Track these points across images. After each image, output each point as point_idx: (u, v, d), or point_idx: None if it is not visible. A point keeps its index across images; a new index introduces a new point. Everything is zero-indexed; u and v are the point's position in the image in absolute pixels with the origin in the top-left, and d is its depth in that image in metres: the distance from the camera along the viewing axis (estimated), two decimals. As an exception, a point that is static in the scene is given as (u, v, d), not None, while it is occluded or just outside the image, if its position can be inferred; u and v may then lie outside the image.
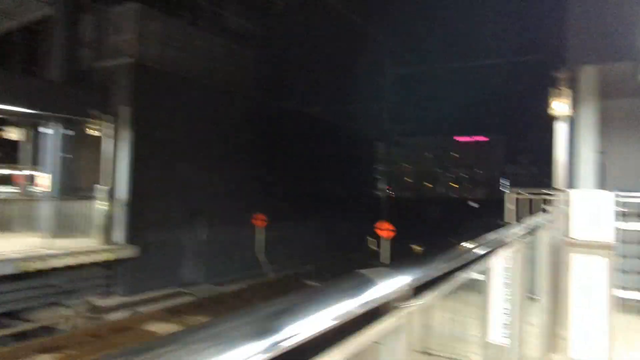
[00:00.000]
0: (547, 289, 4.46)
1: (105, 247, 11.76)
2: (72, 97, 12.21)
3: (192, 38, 14.76)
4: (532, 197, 5.67)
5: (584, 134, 7.61)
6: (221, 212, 15.81)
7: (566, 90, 6.87)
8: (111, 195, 12.29)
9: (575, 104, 7.66)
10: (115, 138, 12.50)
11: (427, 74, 30.88)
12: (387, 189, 33.98)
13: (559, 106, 7.08)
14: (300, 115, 19.97)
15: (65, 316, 11.95)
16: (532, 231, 4.02)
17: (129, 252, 12.23)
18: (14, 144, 16.22)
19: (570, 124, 7.57)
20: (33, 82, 12.05)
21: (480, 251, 1.86)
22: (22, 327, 11.41)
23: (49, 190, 12.17)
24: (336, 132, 22.62)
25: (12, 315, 10.90)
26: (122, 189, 12.70)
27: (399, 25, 27.28)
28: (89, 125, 12.47)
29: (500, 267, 2.72)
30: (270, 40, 18.23)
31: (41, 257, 10.55)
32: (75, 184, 13.18)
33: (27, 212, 11.84)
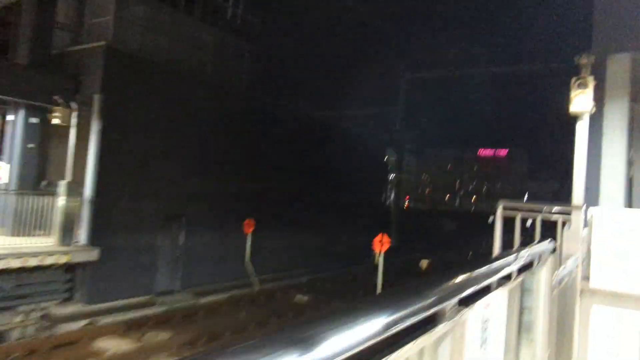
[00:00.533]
0: (548, 345, 3.14)
1: (61, 248, 10.55)
2: (37, 82, 11.10)
3: (179, 24, 13.58)
4: (531, 213, 4.22)
5: (610, 139, 6.13)
6: (204, 215, 14.52)
7: (590, 81, 5.42)
8: (75, 190, 11.11)
9: (601, 101, 6.20)
10: (81, 128, 11.34)
11: (443, 81, 29.28)
12: (406, 199, 32.36)
13: (580, 102, 5.62)
14: (301, 116, 18.67)
15: (15, 324, 10.80)
16: (528, 267, 2.73)
17: (89, 255, 11.01)
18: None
19: (594, 126, 6.09)
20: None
21: (449, 301, 1.35)
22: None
23: (6, 182, 11.03)
24: (342, 136, 21.23)
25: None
26: (89, 184, 11.52)
27: (415, 30, 25.87)
28: (55, 113, 11.33)
29: (478, 319, 1.83)
30: (271, 34, 17.01)
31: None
32: (39, 176, 12.04)
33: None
